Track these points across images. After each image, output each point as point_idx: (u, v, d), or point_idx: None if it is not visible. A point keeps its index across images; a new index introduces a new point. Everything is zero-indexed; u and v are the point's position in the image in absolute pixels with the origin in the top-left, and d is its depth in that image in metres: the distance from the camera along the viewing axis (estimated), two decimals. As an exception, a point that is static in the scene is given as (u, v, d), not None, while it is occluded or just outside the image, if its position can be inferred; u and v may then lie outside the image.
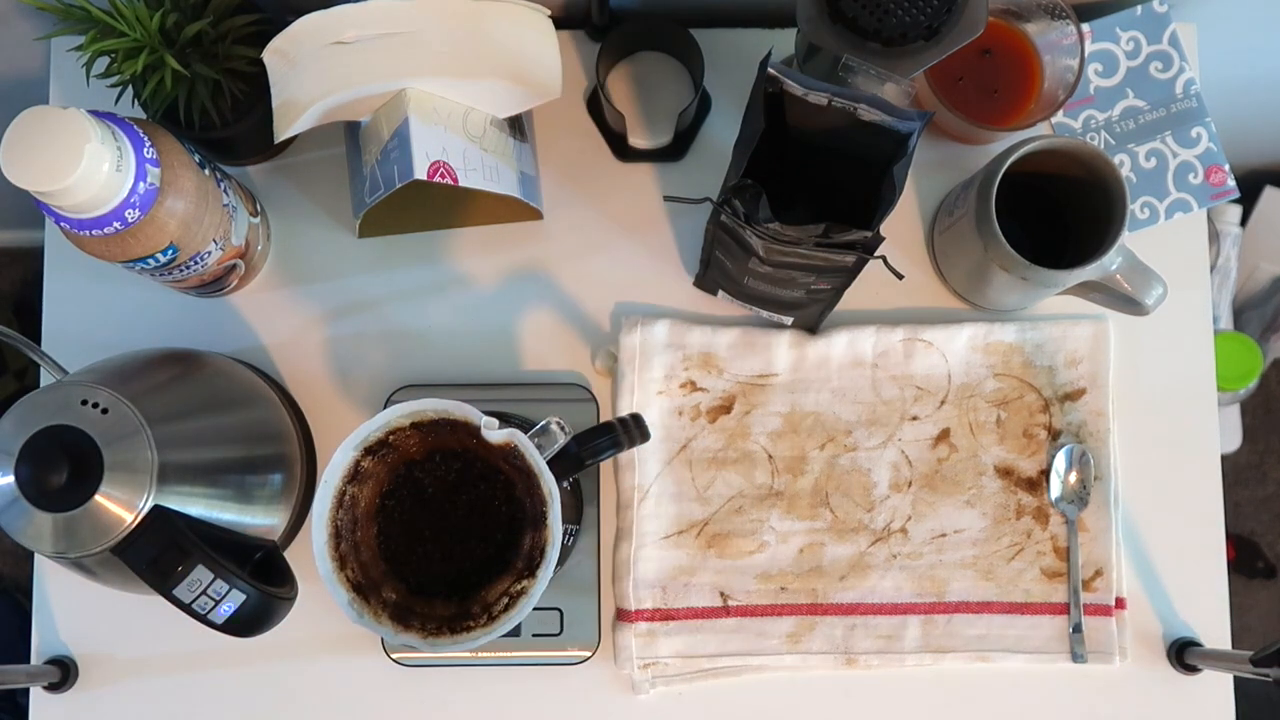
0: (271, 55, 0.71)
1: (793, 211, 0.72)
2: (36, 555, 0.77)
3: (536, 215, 0.82)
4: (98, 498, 0.60)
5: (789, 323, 0.81)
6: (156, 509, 0.62)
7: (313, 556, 0.63)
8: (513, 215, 0.82)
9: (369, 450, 0.65)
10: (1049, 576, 0.80)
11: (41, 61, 0.85)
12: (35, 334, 0.80)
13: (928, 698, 0.80)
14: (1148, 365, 0.83)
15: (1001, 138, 0.81)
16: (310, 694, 0.79)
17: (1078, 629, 0.78)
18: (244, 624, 0.61)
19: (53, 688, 0.78)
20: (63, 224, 0.64)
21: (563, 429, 0.64)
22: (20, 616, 1.47)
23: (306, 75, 0.71)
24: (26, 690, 0.79)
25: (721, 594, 0.80)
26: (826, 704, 0.80)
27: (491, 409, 0.66)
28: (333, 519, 0.64)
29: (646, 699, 0.79)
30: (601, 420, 0.79)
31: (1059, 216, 0.79)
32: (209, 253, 0.72)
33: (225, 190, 0.73)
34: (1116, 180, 0.71)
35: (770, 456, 0.81)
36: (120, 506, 0.61)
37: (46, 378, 0.72)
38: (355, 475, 0.65)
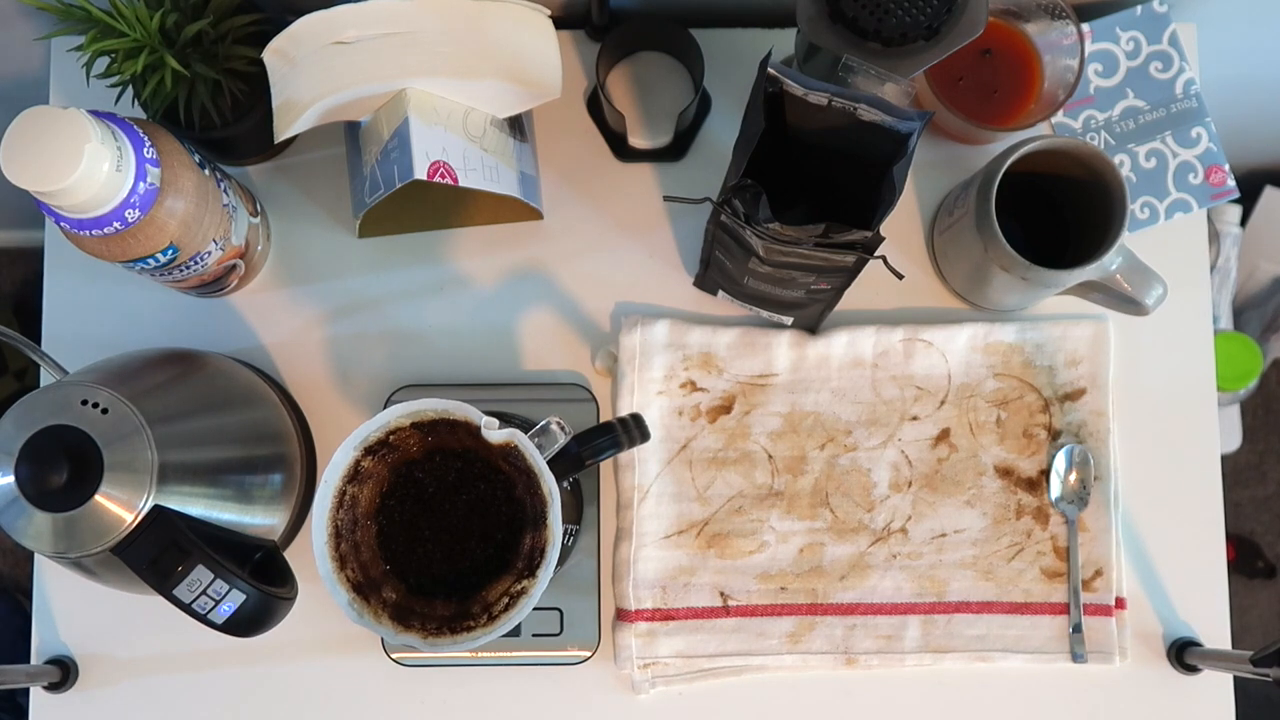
0: (271, 55, 0.71)
1: (793, 211, 0.72)
2: (36, 555, 0.77)
3: (536, 215, 0.82)
4: (98, 498, 0.60)
5: (789, 323, 0.81)
6: (156, 509, 0.62)
7: (313, 556, 0.63)
8: (513, 215, 0.82)
9: (369, 450, 0.65)
10: (1049, 576, 0.80)
11: (41, 61, 0.85)
12: (35, 334, 0.80)
13: (928, 698, 0.80)
14: (1148, 365, 0.83)
15: (1001, 138, 0.81)
16: (310, 694, 0.79)
17: (1078, 629, 0.78)
18: (244, 624, 0.61)
19: (53, 688, 0.78)
20: (63, 224, 0.64)
21: (563, 429, 0.64)
22: (20, 616, 1.47)
23: (306, 75, 0.71)
24: (26, 690, 0.79)
25: (721, 594, 0.80)
26: (826, 704, 0.80)
27: (491, 409, 0.66)
28: (333, 519, 0.64)
29: (646, 699, 0.79)
30: (601, 420, 0.79)
31: (1059, 217, 0.79)
32: (209, 253, 0.72)
33: (225, 190, 0.73)
34: (1116, 180, 0.71)
35: (770, 456, 0.81)
36: (120, 506, 0.61)
37: (46, 378, 0.72)
38: (355, 475, 0.65)
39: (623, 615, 0.79)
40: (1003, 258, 0.71)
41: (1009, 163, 0.71)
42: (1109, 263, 0.71)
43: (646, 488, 0.80)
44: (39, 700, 0.79)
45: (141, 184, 0.64)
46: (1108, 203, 0.72)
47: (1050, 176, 0.75)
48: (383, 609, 0.64)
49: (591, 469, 0.79)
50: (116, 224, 0.64)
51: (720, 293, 0.80)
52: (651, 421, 0.79)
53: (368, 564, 0.65)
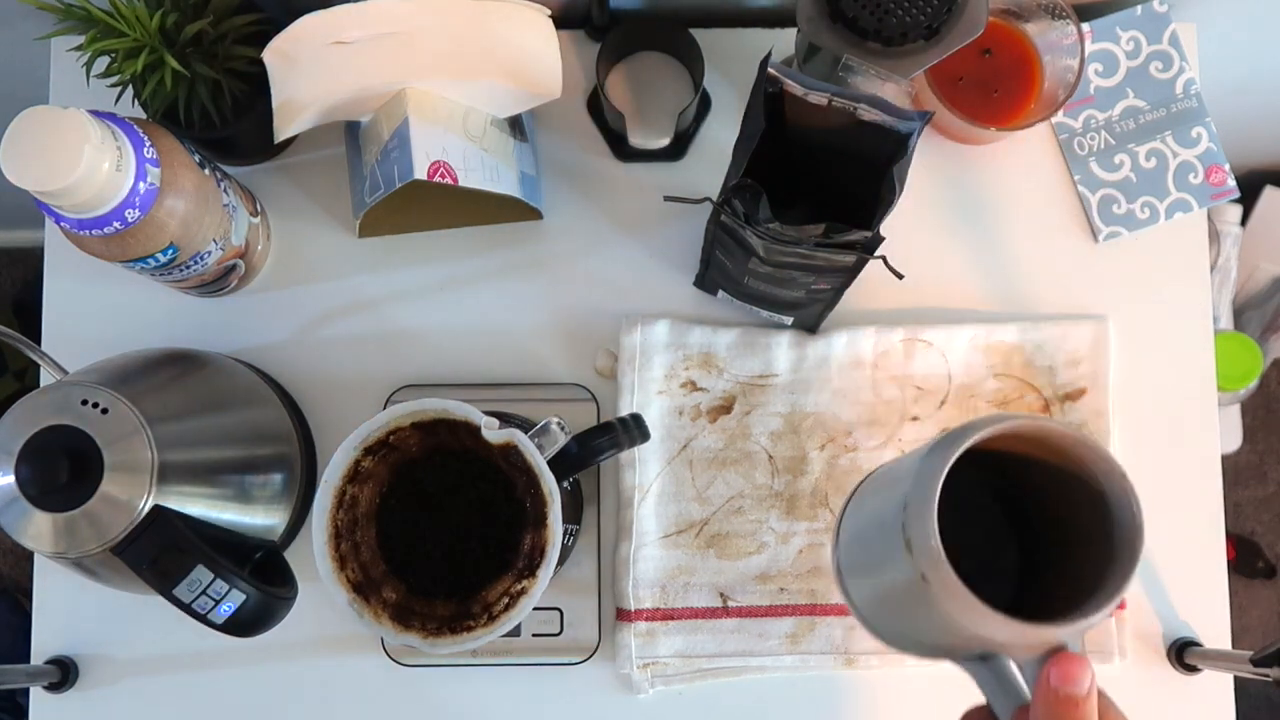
0: (271, 55, 0.71)
1: (793, 211, 0.72)
2: (36, 555, 0.77)
3: (536, 215, 0.82)
4: (98, 498, 0.60)
5: (789, 323, 0.81)
6: (156, 509, 0.62)
7: (313, 556, 0.63)
8: (513, 215, 0.82)
9: (369, 450, 0.65)
10: (1049, 577, 0.80)
11: (41, 61, 0.85)
12: (35, 334, 0.80)
13: (928, 698, 0.80)
14: (1148, 365, 0.83)
15: (1001, 137, 0.81)
16: (310, 694, 0.79)
17: (1078, 629, 0.78)
18: (244, 624, 0.61)
19: (53, 688, 0.78)
20: (63, 224, 0.64)
21: (563, 429, 0.64)
22: (20, 616, 1.47)
23: (306, 75, 0.71)
24: (26, 690, 0.79)
25: (721, 594, 0.80)
26: (826, 704, 0.80)
27: (491, 409, 0.66)
28: (333, 519, 0.64)
29: (646, 699, 0.79)
30: (601, 420, 0.79)
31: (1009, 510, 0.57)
32: (209, 253, 0.72)
33: (225, 190, 0.73)
34: (1125, 497, 0.46)
35: (770, 457, 0.81)
36: (120, 507, 0.61)
37: (46, 378, 0.72)
38: (355, 475, 0.65)
39: (622, 615, 0.79)
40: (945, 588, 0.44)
41: (961, 450, 0.45)
42: (1093, 621, 0.44)
43: (646, 487, 0.80)
44: (39, 700, 0.79)
45: (141, 184, 0.64)
46: (1106, 523, 0.47)
47: (1013, 457, 0.51)
48: (383, 609, 0.64)
49: (591, 469, 0.79)
50: (116, 224, 0.64)
51: (720, 293, 0.80)
52: (651, 421, 0.79)
53: (368, 564, 0.65)
